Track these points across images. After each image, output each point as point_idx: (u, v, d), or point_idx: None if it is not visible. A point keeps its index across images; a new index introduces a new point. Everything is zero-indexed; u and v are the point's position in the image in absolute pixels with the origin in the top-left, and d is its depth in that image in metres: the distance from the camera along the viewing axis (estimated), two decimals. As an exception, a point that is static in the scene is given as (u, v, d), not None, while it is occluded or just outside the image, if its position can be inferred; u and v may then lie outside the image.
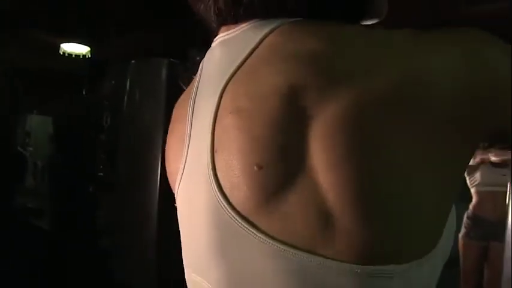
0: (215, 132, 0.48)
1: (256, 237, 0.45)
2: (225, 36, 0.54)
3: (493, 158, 2.97)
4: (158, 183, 2.67)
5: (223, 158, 0.47)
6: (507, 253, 1.46)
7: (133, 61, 2.83)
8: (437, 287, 0.50)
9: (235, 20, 0.53)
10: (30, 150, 7.20)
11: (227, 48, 0.53)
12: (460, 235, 3.11)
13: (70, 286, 3.64)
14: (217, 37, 0.56)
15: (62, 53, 4.74)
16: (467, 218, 3.10)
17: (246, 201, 0.45)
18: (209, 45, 0.58)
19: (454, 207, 0.50)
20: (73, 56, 4.74)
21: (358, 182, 0.41)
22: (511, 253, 1.47)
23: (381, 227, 0.42)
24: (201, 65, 0.59)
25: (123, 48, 4.49)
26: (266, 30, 0.50)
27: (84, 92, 5.39)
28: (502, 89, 0.44)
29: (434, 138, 0.43)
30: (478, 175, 3.02)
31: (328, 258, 0.43)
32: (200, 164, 0.50)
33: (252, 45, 0.49)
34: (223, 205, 0.46)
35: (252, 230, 0.45)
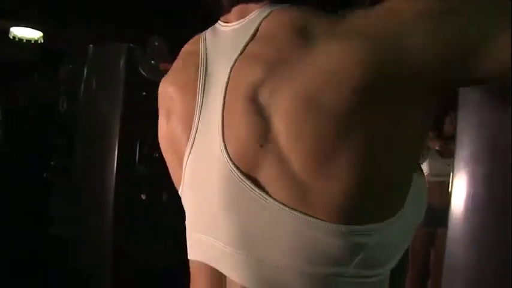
0: (224, 110, 0.56)
1: (262, 198, 0.53)
2: (234, 25, 0.60)
3: (438, 148, 3.14)
4: (115, 170, 2.66)
5: (232, 133, 0.55)
6: (449, 238, 1.57)
7: (91, 45, 2.79)
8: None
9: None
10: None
11: (237, 34, 0.59)
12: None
13: (23, 278, 3.58)
14: (228, 24, 0.61)
15: (11, 38, 4.60)
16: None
17: (252, 170, 0.53)
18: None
19: (424, 179, 0.59)
20: (24, 41, 4.57)
21: (318, 150, 0.49)
22: (451, 238, 1.59)
23: (348, 190, 0.50)
24: (202, 44, 0.64)
25: (77, 34, 4.37)
26: (263, 16, 0.57)
27: (38, 79, 5.24)
28: (471, 49, 0.48)
29: (396, 110, 0.50)
30: (426, 166, 3.18)
31: (316, 218, 0.50)
32: (212, 136, 0.57)
33: (252, 31, 0.57)
34: (235, 172, 0.54)
35: (258, 191, 0.53)
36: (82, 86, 2.86)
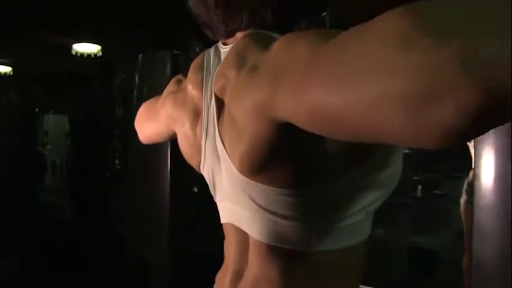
0: (218, 117, 0.75)
1: (253, 183, 0.70)
2: (226, 47, 0.79)
3: None
4: (169, 167, 2.87)
5: (228, 142, 0.73)
6: (476, 206, 1.64)
7: (140, 55, 3.02)
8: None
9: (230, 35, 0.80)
10: (49, 149, 7.48)
11: (224, 53, 0.79)
12: (462, 200, 3.25)
13: (90, 270, 3.88)
14: (225, 45, 0.80)
15: (74, 53, 4.96)
16: (467, 184, 3.23)
17: (242, 169, 0.70)
18: (211, 43, 0.83)
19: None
20: (85, 55, 4.97)
21: (252, 148, 0.66)
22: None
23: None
24: (209, 55, 0.83)
25: (130, 45, 4.67)
26: (239, 39, 0.75)
27: (98, 89, 5.58)
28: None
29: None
30: None
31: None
32: (216, 138, 0.76)
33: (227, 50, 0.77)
34: (233, 169, 0.72)
35: (249, 179, 0.70)
36: (134, 92, 3.09)
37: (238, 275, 0.78)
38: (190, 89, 0.84)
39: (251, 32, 0.74)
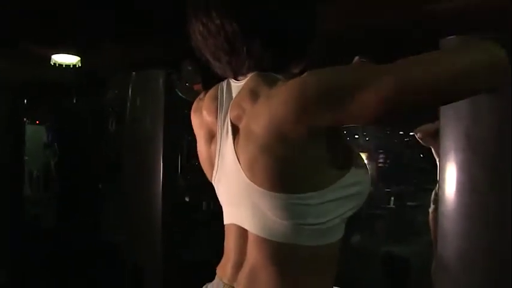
0: (235, 138, 0.96)
1: (262, 191, 0.90)
2: (237, 83, 1.00)
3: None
4: (161, 179, 3.07)
5: (242, 159, 0.93)
6: (440, 212, 1.90)
7: (133, 73, 3.22)
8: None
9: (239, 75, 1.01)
10: (26, 160, 7.48)
11: (237, 87, 0.99)
12: (430, 210, 3.53)
13: (84, 279, 4.00)
14: (236, 81, 1.01)
15: (52, 64, 5.05)
16: (435, 195, 3.51)
17: (246, 168, 0.91)
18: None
19: (364, 165, 0.94)
20: (63, 66, 4.90)
21: (263, 160, 0.88)
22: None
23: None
24: (222, 88, 1.04)
25: (111, 58, 4.80)
26: (247, 80, 0.97)
27: (74, 100, 5.65)
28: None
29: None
30: None
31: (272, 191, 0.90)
32: (230, 155, 0.97)
33: (241, 85, 0.97)
34: (245, 178, 0.92)
35: (260, 188, 0.90)
36: (128, 106, 3.29)
37: (238, 265, 1.01)
38: (205, 114, 1.07)
39: (258, 73, 0.97)
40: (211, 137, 1.05)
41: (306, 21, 1.00)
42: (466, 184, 1.85)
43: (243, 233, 0.99)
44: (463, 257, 1.86)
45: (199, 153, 1.12)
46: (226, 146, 0.98)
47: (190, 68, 3.20)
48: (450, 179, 1.89)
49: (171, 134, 3.13)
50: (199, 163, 1.15)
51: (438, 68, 0.82)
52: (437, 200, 3.49)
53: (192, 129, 1.14)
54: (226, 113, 0.99)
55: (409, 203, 7.42)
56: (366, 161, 0.99)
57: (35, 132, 7.69)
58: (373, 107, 0.80)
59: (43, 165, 7.48)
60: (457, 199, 1.88)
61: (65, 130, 5.70)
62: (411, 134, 5.50)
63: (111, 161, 4.03)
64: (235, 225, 1.01)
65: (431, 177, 3.68)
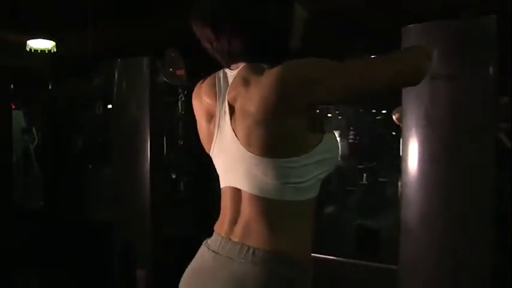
0: (231, 115, 1.18)
1: (252, 155, 1.14)
2: (231, 72, 1.22)
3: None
4: (149, 158, 3.27)
5: (239, 131, 1.16)
6: (403, 183, 2.17)
7: (119, 59, 3.39)
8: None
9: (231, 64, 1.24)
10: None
11: (232, 75, 1.22)
12: (399, 183, 3.81)
13: (76, 259, 4.19)
14: (229, 68, 1.24)
15: (28, 50, 4.98)
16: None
17: (250, 147, 1.14)
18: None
19: (332, 132, 1.18)
20: (39, 51, 5.01)
21: (257, 133, 1.12)
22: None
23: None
24: (219, 77, 1.27)
25: (84, 43, 4.88)
26: (240, 68, 1.19)
27: (49, 86, 5.72)
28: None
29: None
30: None
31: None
32: (228, 130, 1.19)
33: (235, 74, 1.19)
34: (241, 147, 1.15)
35: (254, 155, 1.13)
36: (114, 91, 3.46)
37: (234, 221, 1.24)
38: (205, 98, 1.29)
39: (248, 64, 1.19)
40: (211, 117, 1.28)
41: (282, 17, 1.23)
42: (425, 157, 2.12)
43: (237, 193, 1.23)
44: (424, 220, 2.14)
45: (199, 130, 1.35)
46: (225, 123, 1.21)
47: (173, 54, 3.40)
48: (411, 152, 2.16)
49: (157, 116, 3.33)
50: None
51: (378, 74, 1.16)
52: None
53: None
54: (224, 96, 1.22)
55: (380, 179, 7.75)
56: (339, 139, 1.25)
57: (14, 118, 7.67)
58: (335, 94, 1.12)
59: (22, 150, 7.51)
60: (418, 170, 2.15)
61: (44, 115, 5.80)
62: (383, 112, 5.78)
63: (99, 143, 4.20)
64: (231, 187, 1.24)
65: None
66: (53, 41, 4.97)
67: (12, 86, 4.95)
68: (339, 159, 1.24)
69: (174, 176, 3.28)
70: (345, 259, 3.72)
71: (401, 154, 2.21)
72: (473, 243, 2.08)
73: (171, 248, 3.25)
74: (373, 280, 3.40)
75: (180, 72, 3.24)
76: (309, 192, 1.20)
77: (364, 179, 8.02)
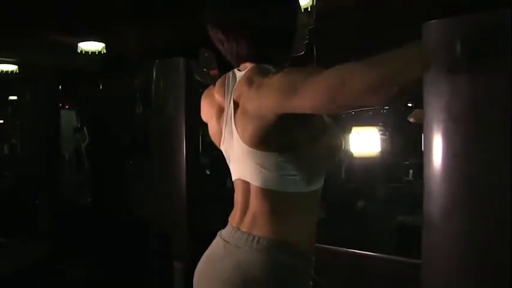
0: (235, 112, 1.27)
1: (253, 151, 1.23)
2: (240, 73, 1.31)
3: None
4: (185, 156, 3.41)
5: (239, 127, 1.26)
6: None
7: (157, 60, 3.54)
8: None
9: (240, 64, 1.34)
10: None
11: (239, 76, 1.31)
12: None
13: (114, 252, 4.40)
14: (238, 69, 1.34)
15: (79, 52, 5.28)
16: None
17: (249, 142, 1.23)
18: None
19: (333, 128, 1.24)
20: (89, 53, 5.29)
21: (256, 130, 1.22)
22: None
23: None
24: (229, 77, 1.36)
25: (132, 45, 5.08)
26: (246, 70, 1.27)
27: (100, 86, 5.98)
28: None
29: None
30: None
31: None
32: (232, 126, 1.29)
33: (242, 74, 1.28)
34: (242, 143, 1.25)
35: (252, 149, 1.22)
36: (153, 91, 3.61)
37: (243, 212, 1.33)
38: (217, 96, 1.38)
39: (256, 65, 1.27)
40: (221, 113, 1.37)
41: (287, 24, 1.30)
42: (447, 150, 2.12)
43: (246, 186, 1.32)
44: (446, 212, 2.14)
45: (210, 127, 1.44)
46: (231, 120, 1.30)
47: (206, 55, 3.51)
48: (433, 146, 2.16)
49: (192, 115, 3.46)
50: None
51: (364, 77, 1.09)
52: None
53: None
54: (231, 94, 1.31)
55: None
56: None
57: (65, 117, 7.96)
58: (317, 101, 1.13)
59: (74, 149, 7.81)
60: (440, 164, 2.15)
61: (94, 114, 6.06)
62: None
63: (138, 141, 4.40)
64: (240, 180, 1.33)
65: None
66: (103, 42, 5.20)
67: (60, 87, 5.20)
68: (341, 152, 1.30)
69: (208, 173, 3.41)
70: (385, 255, 3.71)
71: (423, 149, 2.21)
72: (496, 237, 2.06)
73: (205, 241, 3.36)
74: (411, 276, 3.38)
75: (214, 72, 3.34)
76: (311, 185, 1.27)
77: (410, 175, 7.90)
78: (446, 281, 2.31)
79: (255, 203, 1.29)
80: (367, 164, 6.22)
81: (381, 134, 5.89)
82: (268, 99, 1.16)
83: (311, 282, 1.30)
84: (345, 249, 3.01)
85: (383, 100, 1.01)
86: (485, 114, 2.19)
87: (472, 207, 2.23)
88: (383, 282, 3.53)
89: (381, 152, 6.22)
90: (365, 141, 6.06)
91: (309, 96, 1.10)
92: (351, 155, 6.14)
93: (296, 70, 1.16)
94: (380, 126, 6.37)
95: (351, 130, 5.87)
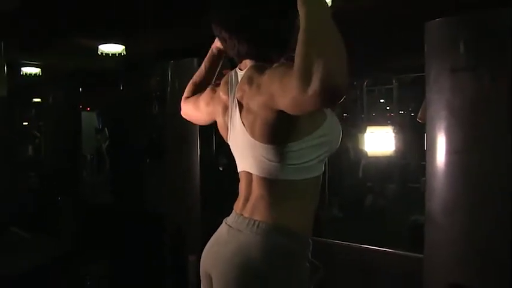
0: (241, 111, 1.36)
1: (257, 142, 1.31)
2: (241, 72, 1.39)
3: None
4: (198, 153, 3.51)
5: (246, 123, 1.34)
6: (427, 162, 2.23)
7: (171, 61, 3.65)
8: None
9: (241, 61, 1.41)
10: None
11: (240, 75, 1.39)
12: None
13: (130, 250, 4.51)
14: (239, 67, 1.42)
15: (100, 54, 5.18)
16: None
17: (254, 136, 1.31)
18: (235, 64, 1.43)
19: (332, 117, 1.32)
20: (110, 55, 5.17)
21: (259, 125, 1.29)
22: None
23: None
24: (232, 76, 1.45)
25: (151, 46, 5.16)
26: (247, 68, 1.35)
27: (123, 87, 5.99)
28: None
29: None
30: None
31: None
32: (238, 122, 1.37)
33: (243, 73, 1.36)
34: (249, 136, 1.32)
35: (257, 142, 1.31)
36: (168, 91, 3.73)
37: (246, 200, 1.41)
38: (221, 94, 1.47)
39: (255, 64, 1.35)
40: (226, 109, 1.46)
41: (284, 27, 1.37)
42: (448, 146, 2.17)
43: (250, 176, 1.40)
44: (447, 207, 2.19)
45: (218, 123, 1.54)
46: (235, 116, 1.38)
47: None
48: (435, 143, 2.22)
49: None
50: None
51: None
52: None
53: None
54: (234, 93, 1.39)
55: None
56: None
57: (88, 119, 8.04)
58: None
59: (95, 149, 7.91)
60: (442, 160, 2.20)
61: (113, 115, 6.18)
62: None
63: (154, 139, 4.52)
64: (244, 171, 1.42)
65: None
66: (123, 45, 5.29)
67: (80, 89, 5.32)
68: (339, 141, 1.38)
69: (221, 169, 3.51)
70: (397, 251, 3.74)
71: (425, 146, 2.27)
72: (497, 233, 2.11)
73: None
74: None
75: (226, 71, 3.44)
76: (309, 172, 1.35)
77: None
78: (447, 276, 2.35)
79: (257, 191, 1.38)
80: (385, 163, 6.26)
81: (396, 134, 5.91)
82: (265, 97, 1.24)
83: (307, 264, 1.37)
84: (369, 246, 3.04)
85: (324, 89, 0.98)
86: (486, 112, 2.24)
87: (473, 203, 2.27)
88: (398, 278, 3.57)
89: (397, 152, 6.25)
90: (384, 142, 6.09)
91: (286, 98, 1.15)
92: (369, 155, 6.19)
93: (277, 71, 1.23)
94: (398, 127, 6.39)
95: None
